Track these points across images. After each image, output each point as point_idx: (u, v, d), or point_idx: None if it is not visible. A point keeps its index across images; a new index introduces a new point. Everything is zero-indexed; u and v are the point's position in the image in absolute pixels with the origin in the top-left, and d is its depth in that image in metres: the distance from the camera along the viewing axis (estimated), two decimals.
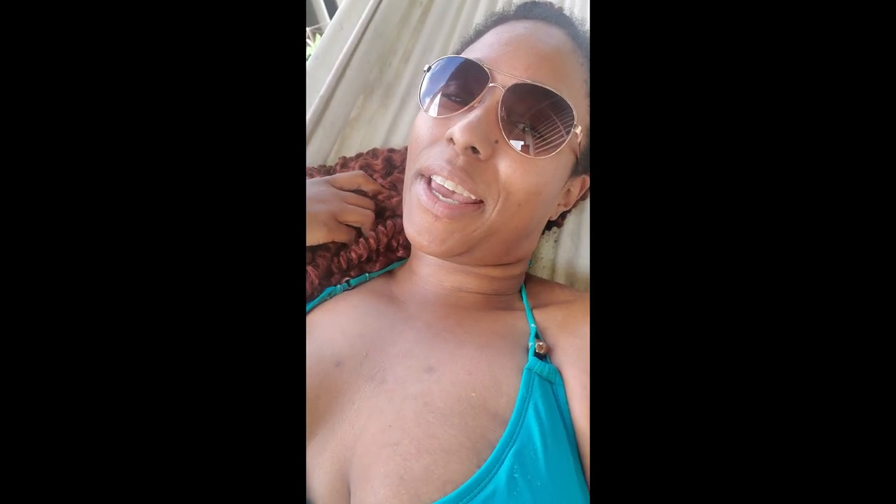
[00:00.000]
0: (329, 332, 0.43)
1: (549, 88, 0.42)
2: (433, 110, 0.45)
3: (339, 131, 0.65)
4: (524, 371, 0.38)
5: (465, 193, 0.42)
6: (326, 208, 0.52)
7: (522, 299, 0.49)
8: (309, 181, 0.55)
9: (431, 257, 0.49)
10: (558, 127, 0.43)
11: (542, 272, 0.65)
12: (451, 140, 0.42)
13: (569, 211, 0.59)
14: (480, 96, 0.43)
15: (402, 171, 0.58)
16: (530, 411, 0.35)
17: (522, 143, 0.43)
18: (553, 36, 0.46)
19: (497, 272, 0.49)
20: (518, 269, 0.51)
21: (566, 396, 0.38)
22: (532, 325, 0.44)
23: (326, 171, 0.60)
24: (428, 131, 0.45)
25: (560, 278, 0.64)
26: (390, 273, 0.55)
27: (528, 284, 0.52)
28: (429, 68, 0.47)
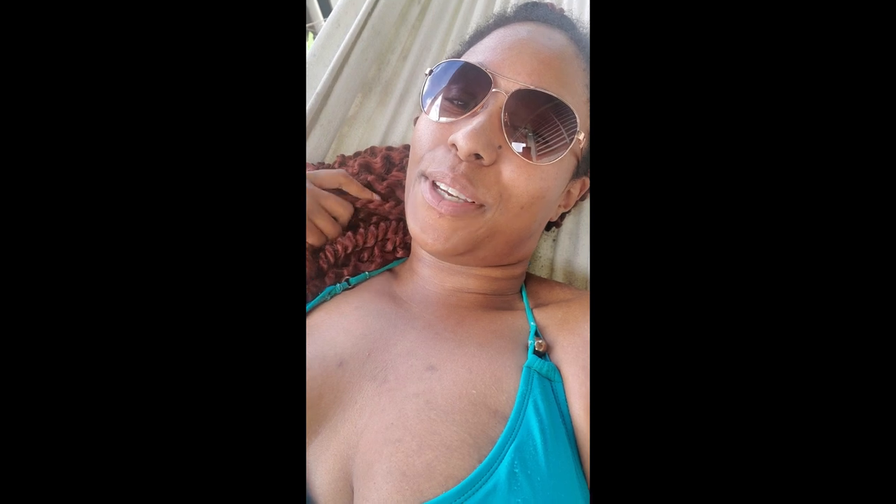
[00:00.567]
0: (332, 332, 0.43)
1: (553, 94, 0.42)
2: (435, 114, 0.45)
3: (336, 129, 0.65)
4: (524, 368, 0.38)
5: (468, 200, 0.42)
6: None
7: (523, 299, 0.49)
8: None
9: (432, 258, 0.50)
10: (561, 132, 0.43)
11: (540, 271, 0.65)
12: (453, 145, 0.42)
13: (568, 211, 0.59)
14: (483, 101, 0.43)
15: (401, 169, 0.59)
16: (530, 408, 0.36)
17: (526, 148, 0.43)
18: (555, 40, 0.46)
19: (498, 273, 0.49)
20: (519, 270, 0.51)
21: (565, 393, 0.38)
22: (532, 323, 0.44)
23: (325, 169, 0.60)
24: (430, 135, 0.45)
25: (558, 277, 0.64)
26: (391, 272, 0.55)
27: (528, 283, 0.53)
28: (431, 71, 0.47)
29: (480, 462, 0.33)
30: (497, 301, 0.49)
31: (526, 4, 0.53)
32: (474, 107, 0.43)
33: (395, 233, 0.57)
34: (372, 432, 0.35)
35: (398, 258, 0.58)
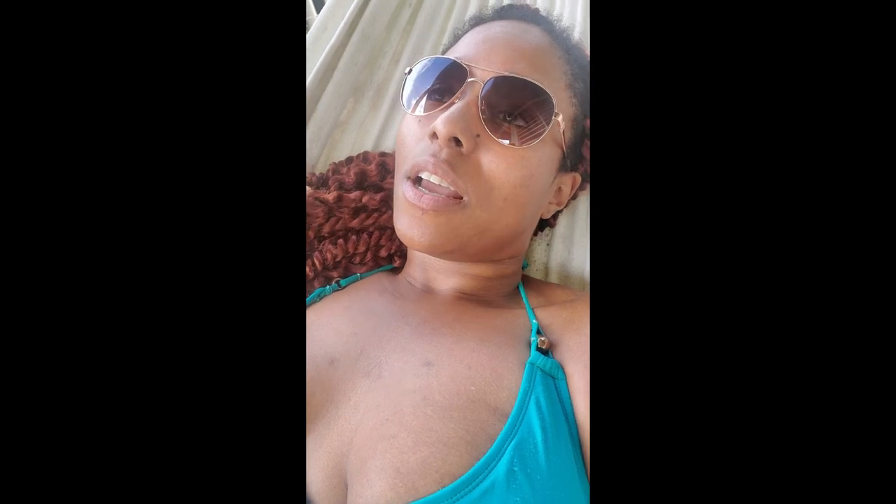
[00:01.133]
0: (321, 331, 0.43)
1: (527, 79, 0.43)
2: (417, 111, 0.46)
3: (328, 134, 0.65)
4: (527, 365, 0.38)
5: (449, 187, 0.42)
6: None
7: (522, 297, 0.49)
8: None
9: (425, 259, 0.50)
10: (539, 116, 0.44)
11: (535, 275, 0.64)
12: (433, 135, 0.42)
13: (561, 210, 0.59)
14: (460, 91, 0.43)
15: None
16: (532, 405, 0.35)
17: (504, 134, 0.43)
18: (530, 32, 0.47)
19: (490, 271, 0.49)
20: (511, 268, 0.51)
21: (569, 392, 0.38)
22: (533, 321, 0.44)
23: (319, 178, 0.60)
24: (412, 131, 0.46)
25: (553, 280, 0.63)
26: (384, 274, 0.55)
27: (527, 285, 0.52)
28: (409, 70, 0.48)
29: (478, 460, 0.32)
30: (495, 299, 0.48)
31: (503, 7, 0.55)
32: (451, 98, 0.44)
33: (391, 240, 0.57)
34: (366, 428, 0.35)
35: (393, 265, 0.58)
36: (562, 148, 0.48)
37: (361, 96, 0.68)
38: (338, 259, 0.55)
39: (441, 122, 0.41)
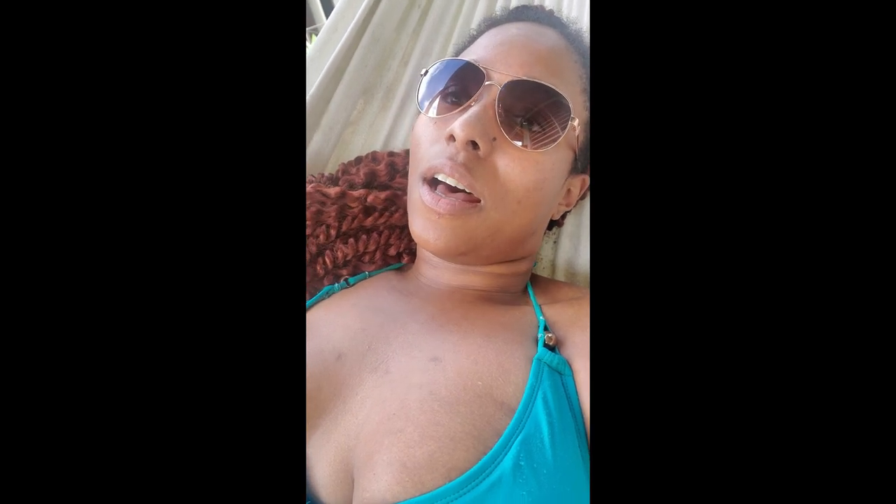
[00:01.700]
0: (329, 328, 0.43)
1: (544, 83, 0.43)
2: (432, 112, 0.46)
3: (338, 134, 0.66)
4: (534, 361, 0.38)
5: (466, 190, 0.43)
6: None
7: (529, 295, 0.49)
8: None
9: (436, 259, 0.50)
10: (555, 121, 0.44)
11: (542, 272, 0.65)
12: (451, 137, 0.42)
13: (569, 210, 0.60)
14: (477, 94, 0.43)
15: (405, 175, 0.59)
16: (539, 400, 0.35)
17: (520, 138, 0.43)
18: (545, 35, 0.47)
19: (503, 269, 0.49)
20: (524, 267, 0.51)
21: (576, 388, 0.38)
22: (540, 317, 0.44)
23: (329, 179, 0.61)
24: (428, 132, 0.46)
25: (560, 277, 0.64)
26: (393, 272, 0.55)
27: (535, 282, 0.53)
28: (426, 72, 0.48)
29: (485, 454, 0.32)
30: (503, 297, 0.49)
31: (518, 7, 0.55)
32: (468, 101, 0.44)
33: (400, 238, 0.58)
34: (373, 423, 0.35)
35: (402, 263, 0.58)
36: (574, 151, 0.48)
37: (371, 97, 0.69)
38: (348, 258, 0.56)
39: (459, 125, 0.41)
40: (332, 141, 0.65)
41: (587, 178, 0.53)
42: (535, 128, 0.44)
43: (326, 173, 0.62)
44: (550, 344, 0.40)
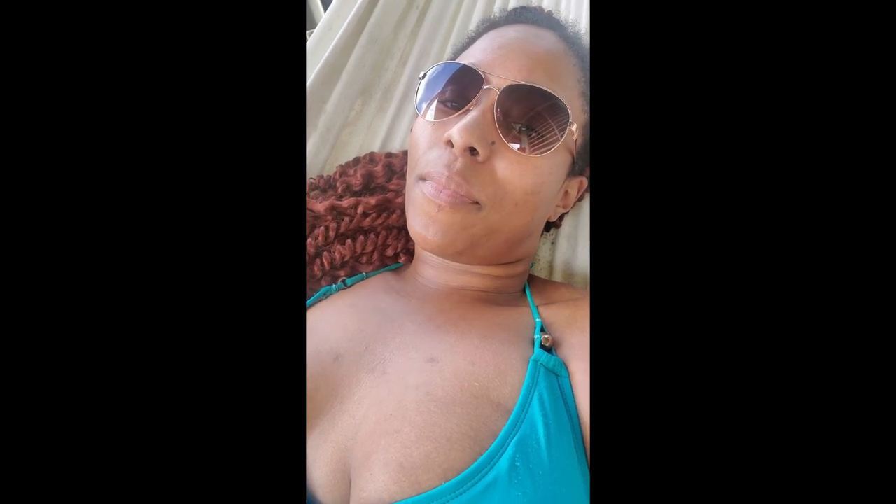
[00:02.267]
0: (326, 328, 0.44)
1: (543, 88, 0.43)
2: (430, 115, 0.46)
3: (336, 135, 0.66)
4: (530, 362, 0.38)
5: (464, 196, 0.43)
6: None
7: (527, 296, 0.49)
8: None
9: (434, 259, 0.50)
10: (553, 125, 0.44)
11: (539, 273, 0.65)
12: (449, 143, 0.43)
13: (567, 212, 0.59)
14: (476, 99, 0.43)
15: (402, 176, 0.59)
16: (535, 402, 0.35)
17: (519, 142, 0.43)
18: (544, 38, 0.47)
19: (500, 271, 0.49)
20: (521, 268, 0.51)
21: (572, 389, 0.38)
22: (537, 318, 0.44)
23: (326, 181, 0.61)
24: (426, 136, 0.46)
25: (557, 279, 0.64)
26: (391, 273, 0.55)
27: (532, 284, 0.53)
28: (424, 75, 0.48)
29: (481, 455, 0.32)
30: (501, 298, 0.49)
31: (516, 9, 0.55)
32: (467, 105, 0.44)
33: (397, 239, 0.58)
34: (370, 423, 0.35)
35: (399, 263, 0.58)
36: (572, 154, 0.48)
37: (369, 98, 0.69)
38: (345, 259, 0.56)
39: (457, 131, 0.41)
40: (329, 142, 0.65)
41: (584, 180, 0.53)
42: (534, 132, 0.44)
43: (325, 175, 0.62)
44: (547, 345, 0.40)
